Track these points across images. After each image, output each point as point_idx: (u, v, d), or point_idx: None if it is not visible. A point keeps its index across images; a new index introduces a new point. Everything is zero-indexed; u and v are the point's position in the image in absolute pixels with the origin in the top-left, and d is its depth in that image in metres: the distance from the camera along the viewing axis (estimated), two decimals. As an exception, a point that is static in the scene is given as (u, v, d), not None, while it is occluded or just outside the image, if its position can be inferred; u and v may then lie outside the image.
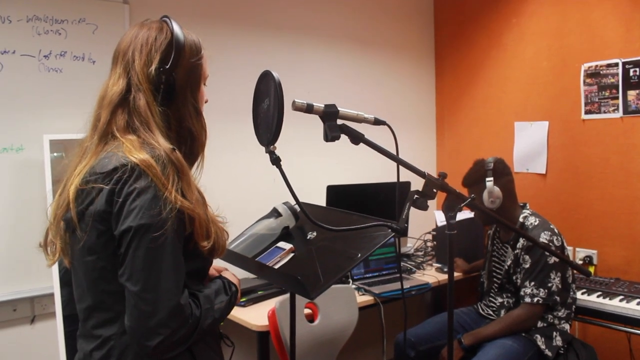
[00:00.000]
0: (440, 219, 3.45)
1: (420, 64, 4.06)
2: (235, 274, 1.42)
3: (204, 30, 2.84)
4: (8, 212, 2.37)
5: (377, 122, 1.49)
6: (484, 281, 2.83)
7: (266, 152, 1.30)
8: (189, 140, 1.26)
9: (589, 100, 3.17)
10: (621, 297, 2.61)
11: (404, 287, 2.82)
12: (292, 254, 1.55)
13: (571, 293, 2.54)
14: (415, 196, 1.50)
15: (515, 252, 2.56)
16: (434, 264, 3.35)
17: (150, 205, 1.08)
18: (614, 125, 3.07)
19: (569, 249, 3.22)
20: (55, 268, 2.28)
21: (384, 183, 3.39)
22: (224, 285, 1.29)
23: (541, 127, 3.41)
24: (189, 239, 1.15)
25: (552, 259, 2.44)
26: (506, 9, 3.60)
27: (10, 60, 2.34)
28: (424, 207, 1.50)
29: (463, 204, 1.57)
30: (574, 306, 2.56)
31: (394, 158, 1.48)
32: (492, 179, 2.59)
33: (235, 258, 1.59)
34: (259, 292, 2.66)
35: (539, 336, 2.45)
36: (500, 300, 2.68)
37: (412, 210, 1.48)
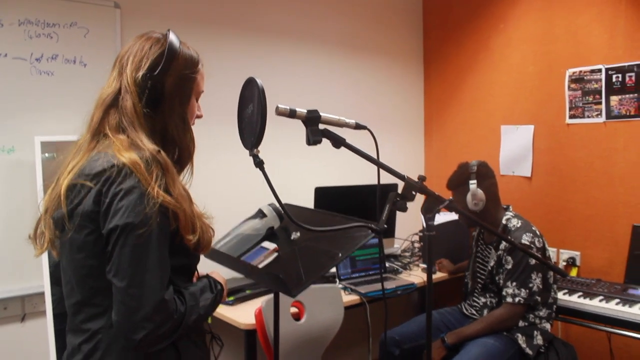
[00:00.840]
0: (427, 220, 3.50)
1: (409, 68, 4.11)
2: (221, 274, 1.47)
3: (194, 34, 2.90)
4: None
5: (358, 126, 1.54)
6: (468, 281, 2.89)
7: (250, 156, 1.34)
8: (175, 148, 1.31)
9: (573, 105, 3.24)
10: (601, 297, 2.67)
11: (391, 287, 2.87)
12: (276, 254, 1.60)
13: (552, 293, 2.60)
14: (396, 198, 1.56)
15: (498, 253, 2.62)
16: (420, 265, 3.41)
17: (136, 204, 1.12)
18: (597, 130, 3.14)
19: (554, 251, 3.29)
20: (45, 268, 2.32)
21: (371, 185, 3.45)
22: (210, 283, 1.34)
23: (527, 130, 3.48)
24: (174, 234, 1.20)
25: (534, 260, 2.50)
26: (494, 15, 3.67)
27: (2, 64, 2.38)
28: (404, 209, 1.56)
29: (441, 206, 1.62)
30: (554, 306, 2.62)
31: (374, 161, 1.53)
32: (475, 181, 2.65)
33: (221, 257, 1.64)
34: (247, 291, 2.71)
35: (520, 335, 2.51)
36: (483, 300, 2.73)
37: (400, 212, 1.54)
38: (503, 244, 2.61)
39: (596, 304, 2.62)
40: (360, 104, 3.74)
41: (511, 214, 2.70)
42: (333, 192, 3.23)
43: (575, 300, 2.70)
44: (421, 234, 3.62)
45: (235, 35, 3.16)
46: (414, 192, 1.58)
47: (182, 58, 1.31)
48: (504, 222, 2.66)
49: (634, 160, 2.99)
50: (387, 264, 3.24)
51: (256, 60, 3.22)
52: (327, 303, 2.59)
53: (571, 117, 3.25)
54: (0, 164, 2.40)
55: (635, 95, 2.97)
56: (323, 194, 3.13)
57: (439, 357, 2.53)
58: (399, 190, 1.60)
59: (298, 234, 1.66)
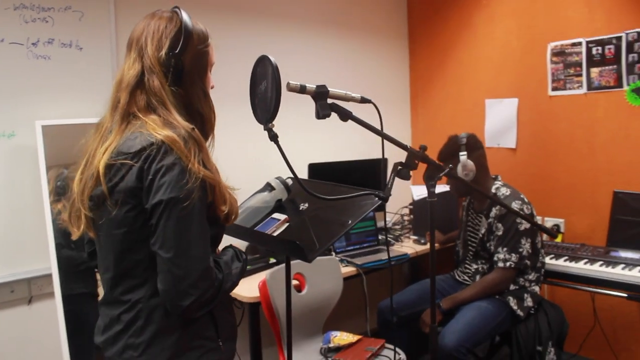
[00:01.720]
0: (417, 193, 3.61)
1: (395, 44, 4.18)
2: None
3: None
4: (1, 196, 2.43)
5: (364, 100, 1.61)
6: (460, 250, 3.01)
7: (264, 130, 1.41)
8: (199, 121, 1.36)
9: (555, 78, 3.35)
10: (585, 260, 2.82)
11: (383, 258, 2.98)
12: (287, 224, 1.67)
13: (540, 257, 2.73)
14: (399, 167, 1.65)
15: (489, 221, 2.74)
16: (411, 236, 3.52)
17: (178, 179, 1.18)
18: (578, 101, 3.26)
19: (539, 218, 3.42)
20: (52, 250, 2.36)
21: (361, 160, 3.56)
22: (236, 253, 1.42)
23: (511, 103, 3.59)
24: (209, 207, 1.26)
25: (523, 226, 2.62)
26: (476, -9, 3.75)
27: (-1, 48, 2.40)
28: (407, 177, 1.65)
29: (442, 174, 1.71)
30: (543, 270, 2.76)
31: (379, 133, 1.61)
32: (465, 153, 2.75)
33: (234, 229, 1.70)
34: (248, 267, 2.79)
35: (511, 298, 2.65)
36: (475, 266, 2.86)
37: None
38: (493, 212, 2.72)
39: (581, 267, 2.76)
40: (347, 80, 3.81)
41: (500, 183, 2.82)
42: (326, 167, 3.32)
43: (562, 263, 2.84)
44: (411, 206, 3.74)
45: (225, 16, 3.18)
46: (416, 161, 1.66)
47: (195, 34, 1.36)
48: (493, 190, 2.78)
49: (614, 130, 3.12)
50: (379, 237, 3.35)
51: (243, 40, 3.25)
52: (326, 274, 2.69)
53: (553, 89, 3.37)
54: (1, 149, 2.42)
55: (615, 67, 3.09)
56: (316, 170, 3.21)
57: (436, 322, 2.64)
58: (389, 164, 1.68)
59: (306, 204, 1.73)
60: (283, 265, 2.56)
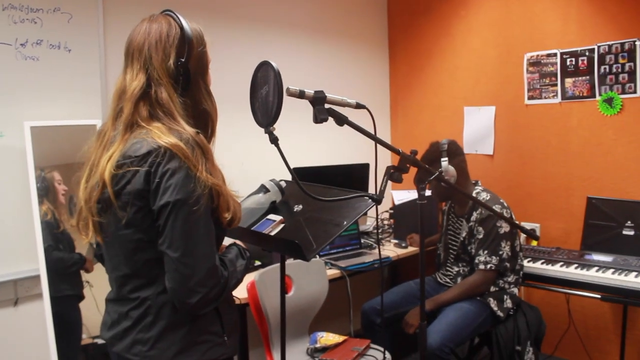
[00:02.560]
0: (398, 197, 3.70)
1: (375, 51, 4.27)
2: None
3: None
4: (-12, 197, 2.43)
5: (359, 106, 1.68)
6: (441, 253, 3.09)
7: (265, 133, 1.46)
8: (207, 120, 1.40)
9: (531, 87, 3.47)
10: (561, 263, 2.92)
11: (369, 260, 3.04)
12: (282, 224, 1.72)
13: (519, 260, 2.82)
14: (392, 170, 1.71)
15: (470, 224, 2.83)
16: (391, 240, 3.59)
17: (184, 182, 1.22)
18: (553, 110, 3.38)
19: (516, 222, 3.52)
20: (40, 251, 2.36)
21: (345, 165, 3.62)
22: (240, 251, 1.46)
23: (488, 111, 3.70)
24: (213, 211, 1.30)
25: (503, 230, 2.71)
26: (455, 2, 3.86)
27: (-12, 49, 2.39)
28: (399, 180, 1.71)
29: (432, 177, 1.79)
30: (521, 272, 2.85)
31: (373, 138, 1.67)
32: (447, 159, 2.83)
33: (231, 230, 1.74)
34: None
35: (491, 299, 2.73)
36: (456, 269, 2.94)
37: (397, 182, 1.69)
38: (474, 216, 2.81)
39: (557, 269, 2.87)
40: (327, 86, 3.80)
41: (480, 188, 2.91)
42: (309, 172, 3.36)
43: (539, 266, 2.94)
44: (391, 211, 3.81)
45: (208, 20, 3.21)
46: (408, 165, 1.73)
47: (195, 37, 1.39)
48: (474, 195, 2.86)
49: (587, 137, 3.25)
50: (362, 241, 3.41)
51: (226, 43, 3.28)
52: (312, 276, 2.74)
53: (529, 98, 3.49)
54: (-11, 150, 2.41)
55: (587, 77, 3.22)
56: (300, 174, 3.24)
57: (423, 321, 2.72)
58: (370, 169, 1.73)
59: (301, 206, 1.78)
60: (271, 267, 2.61)
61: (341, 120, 1.60)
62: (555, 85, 3.36)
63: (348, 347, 2.55)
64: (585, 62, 3.22)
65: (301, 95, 1.52)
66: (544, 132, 3.43)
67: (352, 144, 3.67)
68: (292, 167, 3.20)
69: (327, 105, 1.58)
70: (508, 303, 2.75)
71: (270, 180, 1.87)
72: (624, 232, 2.96)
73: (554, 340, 3.31)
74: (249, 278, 2.55)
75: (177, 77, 1.33)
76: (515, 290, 2.81)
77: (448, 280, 2.99)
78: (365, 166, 3.62)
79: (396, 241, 3.52)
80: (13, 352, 2.49)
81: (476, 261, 2.75)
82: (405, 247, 3.39)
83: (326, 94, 1.57)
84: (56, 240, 2.44)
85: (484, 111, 3.73)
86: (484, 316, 2.69)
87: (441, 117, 4.01)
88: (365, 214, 3.16)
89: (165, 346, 1.29)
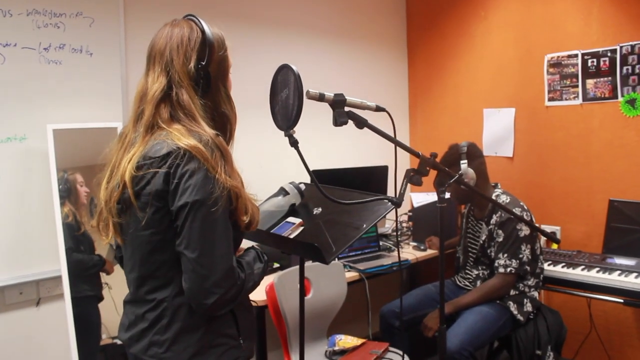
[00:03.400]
0: (417, 200, 3.68)
1: (394, 53, 4.26)
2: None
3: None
4: (12, 199, 2.46)
5: (379, 109, 1.68)
6: (460, 256, 3.07)
7: (285, 136, 1.47)
8: (225, 123, 1.41)
9: (552, 89, 3.43)
10: (582, 266, 2.89)
11: (387, 263, 3.03)
12: (302, 227, 1.72)
13: (539, 264, 2.79)
14: (411, 173, 1.70)
15: (490, 227, 2.80)
16: (410, 243, 3.57)
17: (203, 183, 1.23)
18: (574, 112, 3.34)
19: (536, 226, 3.49)
20: (62, 252, 2.39)
21: (363, 167, 3.62)
22: (258, 254, 1.47)
23: (508, 113, 3.67)
24: (231, 213, 1.31)
25: (523, 233, 2.69)
26: (474, 2, 3.83)
27: (12, 53, 2.42)
28: (419, 183, 1.71)
29: (452, 180, 1.78)
30: (541, 275, 2.82)
31: (393, 140, 1.67)
32: (466, 161, 2.81)
33: (251, 233, 1.75)
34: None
35: (511, 303, 2.71)
36: (476, 272, 2.92)
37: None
38: (494, 219, 2.79)
39: (579, 273, 2.83)
40: (346, 89, 3.76)
41: (500, 190, 2.88)
42: (327, 174, 3.36)
43: (560, 270, 2.90)
44: (410, 213, 3.80)
45: (228, 23, 3.24)
46: (427, 168, 1.72)
47: (216, 41, 1.40)
48: (493, 198, 2.84)
49: (609, 139, 3.20)
50: (380, 243, 3.40)
51: (246, 47, 3.30)
52: (331, 279, 2.74)
53: (550, 99, 3.45)
54: (13, 152, 2.45)
55: (609, 78, 3.17)
56: (318, 177, 3.24)
57: (437, 326, 2.70)
58: (389, 172, 1.73)
59: (320, 209, 1.78)
60: (290, 269, 2.62)
61: (361, 123, 1.60)
62: (577, 86, 3.32)
63: (366, 350, 2.54)
64: (607, 62, 3.17)
65: (321, 98, 1.53)
66: (564, 134, 3.39)
67: (372, 146, 3.67)
68: (311, 169, 3.22)
69: (347, 108, 1.59)
70: (528, 307, 2.73)
71: (290, 183, 1.87)
72: (647, 236, 2.92)
73: (575, 345, 3.26)
74: (267, 280, 2.56)
75: (198, 80, 1.34)
76: (536, 293, 2.78)
77: (467, 284, 2.97)
78: (384, 168, 3.60)
79: (415, 244, 3.50)
80: (35, 351, 2.53)
81: (496, 264, 2.73)
82: (424, 250, 3.37)
83: (346, 97, 1.57)
84: (77, 242, 2.47)
85: (504, 113, 3.69)
86: (503, 320, 2.66)
87: (460, 119, 3.99)
88: (385, 216, 3.18)
89: (181, 348, 1.30)
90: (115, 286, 2.57)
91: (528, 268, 2.71)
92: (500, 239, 2.73)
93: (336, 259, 3.02)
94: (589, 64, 3.25)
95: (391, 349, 2.61)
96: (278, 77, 1.53)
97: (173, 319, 1.31)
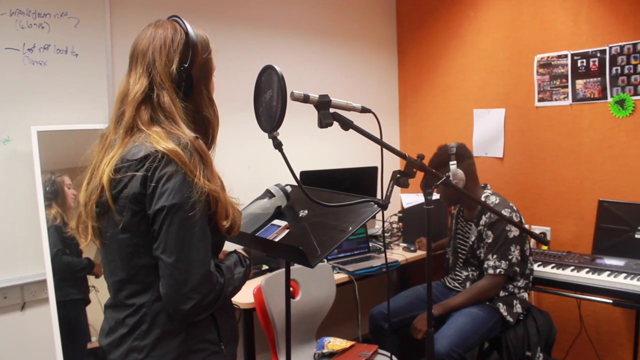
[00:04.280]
0: (407, 201, 3.67)
1: (384, 54, 4.25)
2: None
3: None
4: (-5, 201, 2.43)
5: (364, 110, 1.66)
6: (450, 257, 3.06)
7: (269, 138, 1.45)
8: (207, 126, 1.39)
9: (542, 89, 3.43)
10: (572, 267, 2.88)
11: (377, 264, 3.02)
12: (287, 230, 1.70)
13: (529, 265, 2.79)
14: (398, 175, 1.68)
15: (479, 228, 2.79)
16: (400, 244, 3.56)
17: (180, 187, 1.21)
18: (564, 112, 3.34)
19: (526, 227, 3.48)
20: (47, 256, 2.35)
21: (352, 168, 3.60)
22: (240, 258, 1.45)
23: (498, 113, 3.66)
24: (210, 218, 1.29)
25: (512, 234, 2.68)
26: (464, 3, 3.83)
27: (-4, 54, 2.40)
28: (406, 185, 1.69)
29: (439, 182, 1.76)
30: (531, 276, 2.81)
31: (379, 142, 1.65)
32: (455, 162, 2.80)
33: (235, 236, 1.73)
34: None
35: (501, 304, 2.70)
36: (465, 273, 2.91)
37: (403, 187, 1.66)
38: (483, 220, 2.78)
39: (568, 274, 2.83)
40: (336, 89, 3.85)
41: (489, 191, 2.87)
42: (317, 175, 3.34)
43: (549, 270, 2.90)
44: (400, 214, 3.78)
45: (216, 24, 3.21)
46: (414, 169, 1.70)
47: (200, 43, 1.38)
48: (482, 199, 2.83)
49: (598, 140, 3.20)
50: (370, 244, 3.38)
51: (232, 47, 3.27)
52: (320, 281, 2.72)
53: (540, 100, 3.45)
54: (-3, 154, 2.42)
55: (599, 79, 3.17)
56: (308, 177, 3.24)
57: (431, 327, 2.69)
58: (378, 173, 1.71)
59: (306, 211, 1.76)
60: (278, 271, 2.60)
61: (346, 124, 1.58)
62: (566, 87, 3.32)
63: (355, 353, 2.52)
64: (597, 63, 3.17)
65: (305, 99, 1.51)
66: (554, 134, 3.39)
67: (362, 147, 3.65)
68: (300, 170, 3.21)
69: (332, 110, 1.56)
70: (518, 308, 2.72)
71: (276, 185, 1.85)
72: (637, 236, 2.91)
73: (565, 346, 3.26)
74: (255, 283, 2.54)
75: (180, 82, 1.32)
76: (525, 294, 2.78)
77: (457, 285, 2.96)
78: (374, 169, 3.59)
79: (405, 245, 3.49)
80: (20, 356, 2.50)
81: (485, 266, 2.72)
82: (414, 251, 3.36)
83: (331, 98, 1.55)
84: (65, 244, 2.44)
85: (494, 113, 3.69)
86: (493, 321, 2.65)
87: (450, 119, 3.98)
88: (373, 218, 3.16)
89: (161, 354, 1.28)
90: (103, 289, 2.53)
91: (517, 269, 2.70)
92: (490, 240, 2.72)
93: (325, 260, 3.02)
94: (579, 65, 3.25)
95: (380, 351, 2.60)
96: (262, 78, 1.51)
97: (153, 324, 1.29)
